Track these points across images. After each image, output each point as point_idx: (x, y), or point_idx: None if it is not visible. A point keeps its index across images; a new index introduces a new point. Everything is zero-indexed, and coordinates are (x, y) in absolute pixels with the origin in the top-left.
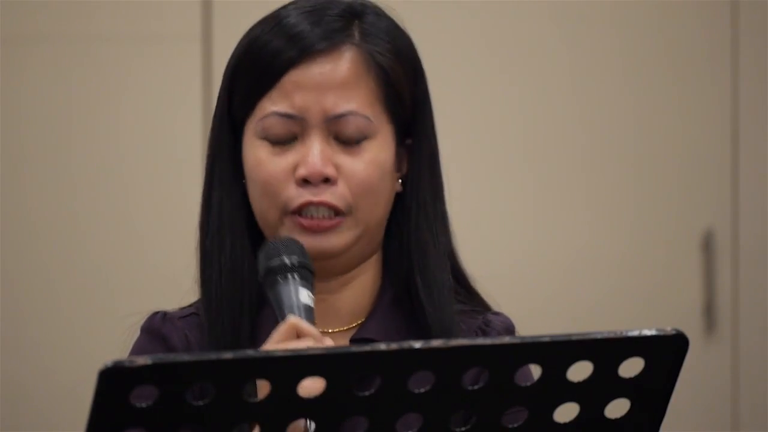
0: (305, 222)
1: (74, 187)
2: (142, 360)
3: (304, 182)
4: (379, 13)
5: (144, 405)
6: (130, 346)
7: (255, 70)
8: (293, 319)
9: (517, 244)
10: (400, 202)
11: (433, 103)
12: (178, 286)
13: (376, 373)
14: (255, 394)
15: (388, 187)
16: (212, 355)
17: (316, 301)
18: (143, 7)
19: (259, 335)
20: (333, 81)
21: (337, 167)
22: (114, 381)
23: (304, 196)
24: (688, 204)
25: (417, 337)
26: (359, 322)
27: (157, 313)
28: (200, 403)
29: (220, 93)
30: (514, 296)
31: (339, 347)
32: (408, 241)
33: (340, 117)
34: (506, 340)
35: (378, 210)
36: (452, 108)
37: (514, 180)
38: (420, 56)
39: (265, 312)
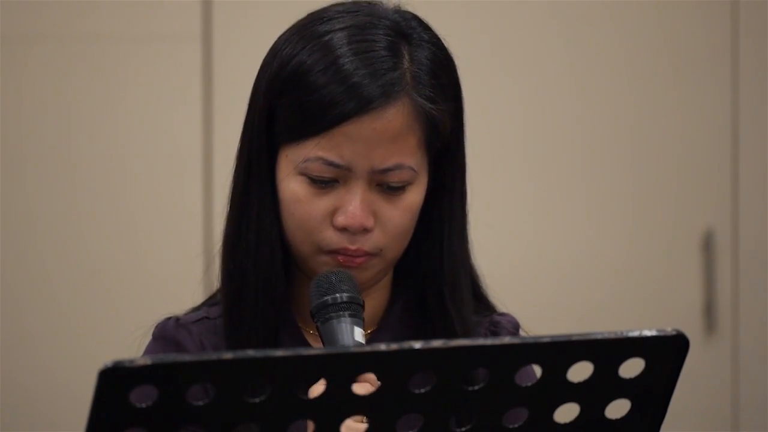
0: (340, 258)
1: (74, 186)
2: (142, 360)
3: (343, 229)
4: (424, 36)
5: (144, 405)
6: (141, 353)
7: (305, 110)
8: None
9: (517, 245)
10: (423, 213)
11: None
12: (178, 285)
13: (377, 373)
14: (256, 393)
15: (415, 221)
16: (212, 355)
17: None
18: (143, 7)
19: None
20: (385, 137)
21: (374, 214)
22: (114, 381)
23: (341, 242)
24: (688, 204)
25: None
26: (371, 330)
27: (169, 318)
28: (200, 403)
29: (255, 99)
30: (514, 296)
31: (339, 347)
32: (437, 263)
33: (386, 171)
34: (506, 340)
35: (404, 246)
36: None
37: (514, 180)
38: (457, 73)
39: (287, 327)
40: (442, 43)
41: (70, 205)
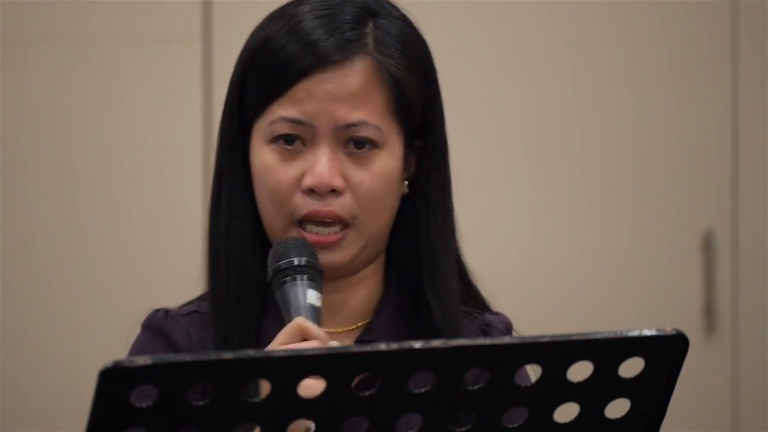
0: (309, 237)
1: (74, 187)
2: (142, 360)
3: (311, 192)
4: (394, 14)
5: (144, 405)
6: (130, 344)
7: (267, 74)
8: (299, 321)
9: (517, 244)
10: (407, 203)
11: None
12: (179, 285)
13: (376, 373)
14: (257, 393)
15: (394, 194)
16: (212, 355)
17: (322, 300)
18: (143, 7)
19: (266, 336)
20: (345, 91)
21: (344, 177)
22: (114, 381)
23: (310, 205)
24: (688, 204)
25: (423, 339)
26: (364, 322)
27: (158, 310)
28: (200, 403)
29: (230, 88)
30: (514, 296)
31: (339, 347)
32: (417, 247)
33: (350, 126)
34: (506, 340)
35: (382, 219)
36: (452, 108)
37: (514, 180)
38: (431, 54)
39: (272, 313)
40: (414, 24)
41: (70, 205)
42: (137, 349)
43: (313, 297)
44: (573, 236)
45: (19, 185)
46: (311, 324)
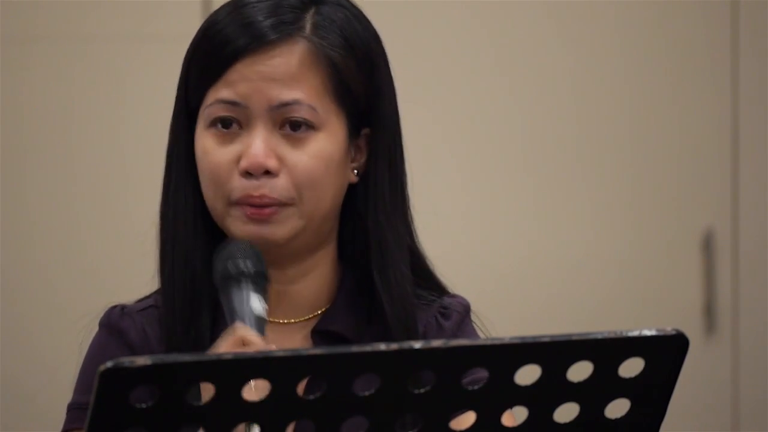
0: (248, 212)
1: (74, 186)
2: (142, 360)
3: (247, 174)
4: (341, 3)
5: (144, 405)
6: (89, 341)
7: (206, 57)
8: (240, 329)
9: (517, 244)
10: (359, 193)
11: (434, 103)
12: None
13: (376, 373)
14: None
15: (337, 179)
16: (212, 356)
17: (275, 291)
18: (143, 7)
19: (220, 330)
20: (278, 72)
21: (280, 159)
22: (114, 381)
23: (245, 188)
24: (688, 204)
25: (378, 328)
26: (320, 311)
27: (115, 306)
28: (200, 403)
29: (179, 82)
30: (514, 296)
31: (339, 347)
32: (367, 238)
33: (284, 105)
34: (506, 340)
35: (324, 203)
36: (452, 108)
37: (514, 180)
38: (382, 48)
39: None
40: (361, 15)
41: (70, 205)
42: (94, 347)
43: (257, 304)
44: (573, 236)
45: (19, 185)
46: (252, 332)
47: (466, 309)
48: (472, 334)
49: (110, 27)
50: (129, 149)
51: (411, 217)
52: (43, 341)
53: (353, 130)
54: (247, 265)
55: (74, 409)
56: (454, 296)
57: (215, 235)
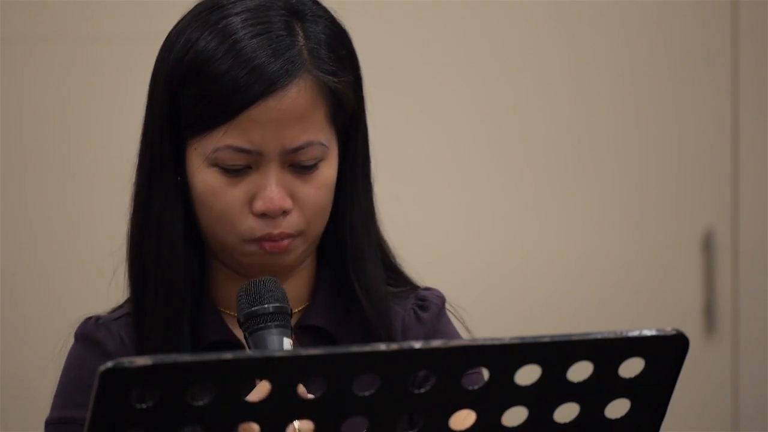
0: (266, 246)
1: (74, 187)
2: (142, 360)
3: (263, 215)
4: (318, 12)
5: (144, 405)
6: (65, 354)
7: (210, 99)
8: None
9: (517, 244)
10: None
11: (435, 103)
12: None
13: (376, 373)
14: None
15: (332, 196)
16: (212, 356)
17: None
18: (143, 7)
19: (201, 336)
20: (291, 116)
21: (292, 195)
22: (114, 381)
23: (264, 229)
24: (688, 204)
25: (359, 324)
26: (301, 308)
27: (89, 318)
28: (200, 403)
29: (154, 95)
30: (514, 296)
31: (339, 347)
32: (343, 241)
33: (297, 149)
34: (506, 340)
35: (325, 222)
36: (452, 108)
37: (514, 180)
38: (351, 41)
39: (206, 313)
40: (335, 17)
41: (70, 205)
42: (71, 359)
43: (287, 345)
44: (573, 236)
45: (19, 185)
46: None
47: (442, 301)
48: (449, 324)
49: (110, 27)
50: (129, 149)
51: (377, 215)
52: (43, 341)
53: (341, 144)
54: (274, 306)
55: (54, 424)
56: (429, 289)
57: (197, 251)
